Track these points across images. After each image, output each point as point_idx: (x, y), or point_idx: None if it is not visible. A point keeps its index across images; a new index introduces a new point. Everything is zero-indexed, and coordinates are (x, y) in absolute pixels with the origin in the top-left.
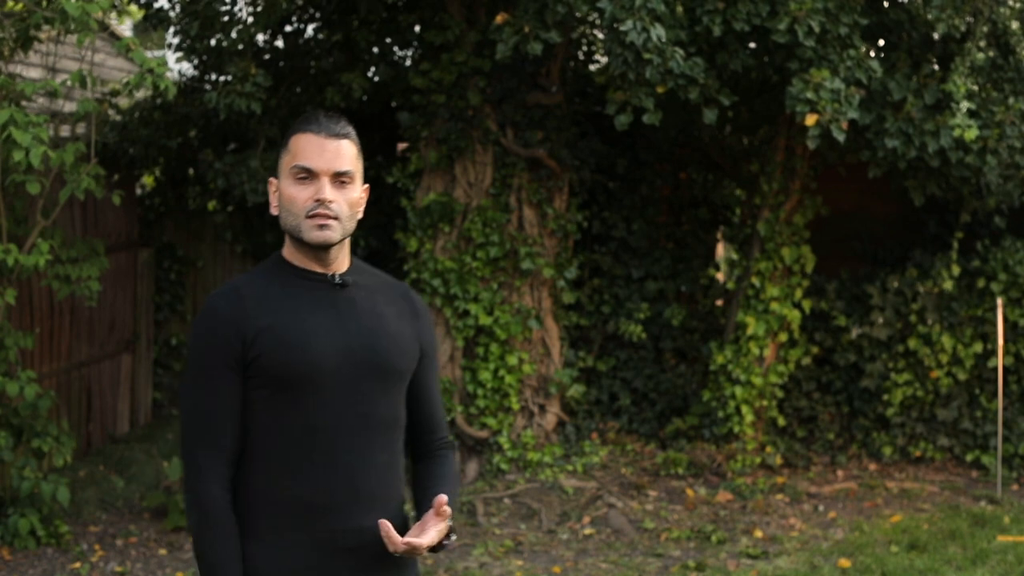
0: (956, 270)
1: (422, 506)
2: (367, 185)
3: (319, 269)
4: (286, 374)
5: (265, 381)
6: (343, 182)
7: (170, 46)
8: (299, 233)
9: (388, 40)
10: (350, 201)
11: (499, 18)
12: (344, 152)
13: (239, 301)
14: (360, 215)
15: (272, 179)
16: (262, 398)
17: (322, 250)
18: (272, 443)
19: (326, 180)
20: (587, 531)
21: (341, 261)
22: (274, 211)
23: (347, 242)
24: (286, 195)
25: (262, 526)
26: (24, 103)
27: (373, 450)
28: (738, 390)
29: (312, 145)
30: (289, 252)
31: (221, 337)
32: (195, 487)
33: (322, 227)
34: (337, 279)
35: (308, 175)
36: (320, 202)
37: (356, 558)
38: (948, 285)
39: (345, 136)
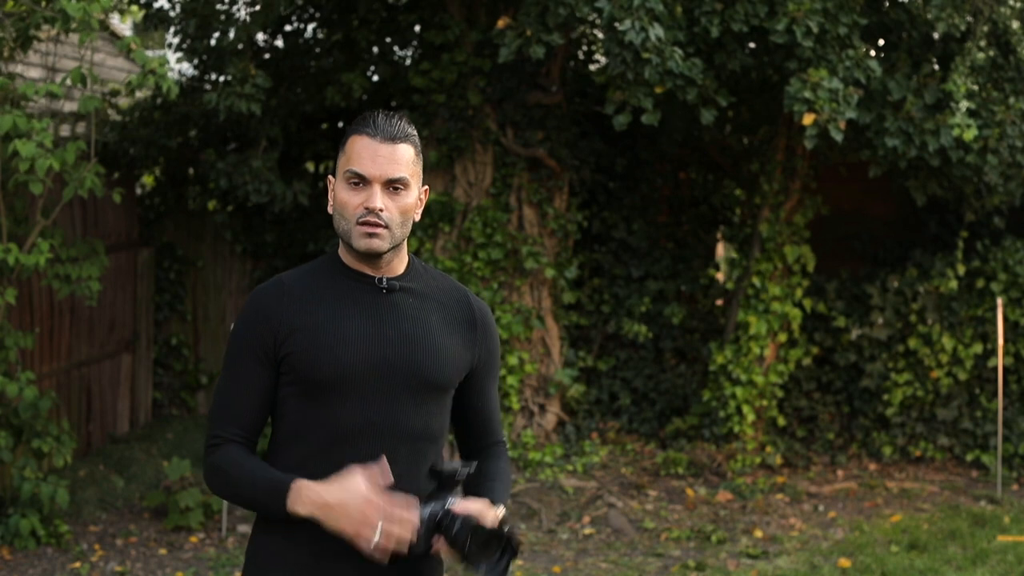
0: (962, 269)
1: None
2: (426, 187)
3: (370, 272)
4: (313, 376)
5: (294, 379)
6: (396, 189)
7: (170, 46)
8: (348, 239)
9: (388, 40)
10: (402, 208)
11: (500, 22)
12: (399, 157)
13: (280, 296)
14: (417, 218)
15: (330, 177)
16: (293, 395)
17: (372, 257)
18: (299, 440)
19: (378, 188)
20: (587, 531)
21: (395, 265)
22: (330, 210)
23: (403, 245)
24: (338, 199)
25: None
26: (23, 103)
27: (397, 458)
28: (738, 390)
29: (366, 150)
30: (343, 251)
31: (254, 330)
32: (213, 455)
33: (371, 235)
34: (384, 284)
35: (361, 181)
36: (370, 210)
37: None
38: (953, 284)
39: (402, 139)
